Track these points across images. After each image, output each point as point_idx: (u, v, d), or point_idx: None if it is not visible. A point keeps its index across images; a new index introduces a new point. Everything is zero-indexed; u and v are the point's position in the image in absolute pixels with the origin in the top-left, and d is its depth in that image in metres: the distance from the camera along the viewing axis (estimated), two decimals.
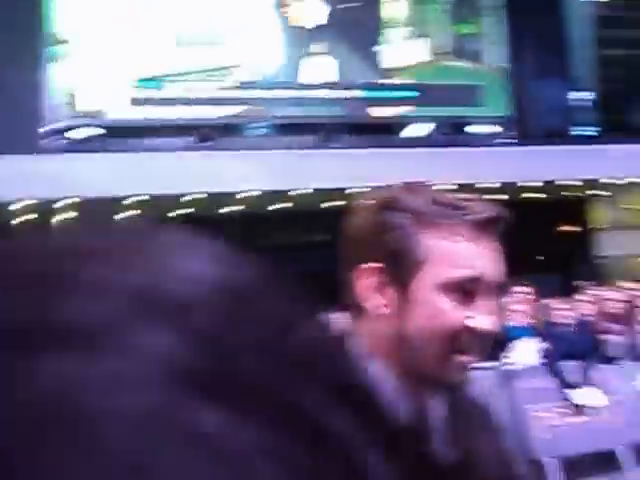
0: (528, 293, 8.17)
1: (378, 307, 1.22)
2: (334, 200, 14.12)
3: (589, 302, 8.66)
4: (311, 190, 13.29)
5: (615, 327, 7.95)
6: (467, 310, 1.20)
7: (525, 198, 15.21)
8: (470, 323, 1.19)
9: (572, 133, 16.53)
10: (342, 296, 1.29)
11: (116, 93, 13.97)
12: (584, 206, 17.22)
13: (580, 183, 15.21)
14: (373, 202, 1.28)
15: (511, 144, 15.86)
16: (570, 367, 7.32)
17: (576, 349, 7.29)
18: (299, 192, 13.38)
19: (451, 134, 15.56)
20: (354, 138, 14.55)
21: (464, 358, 1.22)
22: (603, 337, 7.78)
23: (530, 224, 14.64)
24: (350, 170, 12.91)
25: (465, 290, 1.20)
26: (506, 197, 14.75)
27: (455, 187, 13.70)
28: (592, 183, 15.46)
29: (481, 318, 1.20)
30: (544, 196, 15.33)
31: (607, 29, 17.16)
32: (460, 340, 1.20)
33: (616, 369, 7.29)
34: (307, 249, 14.26)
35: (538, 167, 14.02)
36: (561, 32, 17.07)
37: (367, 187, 13.70)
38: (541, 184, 14.72)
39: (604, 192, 16.31)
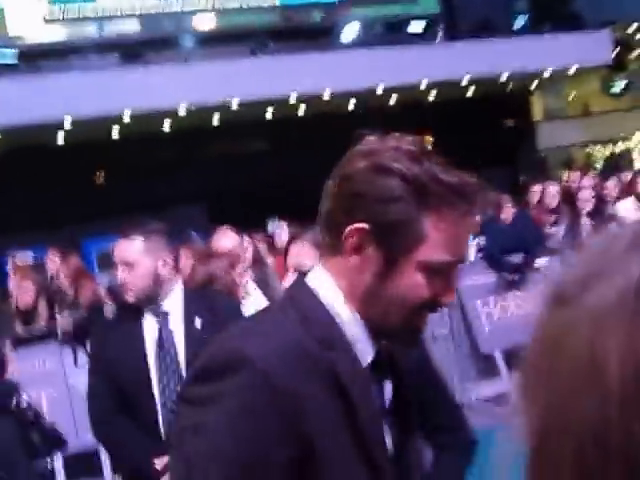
0: None
1: (361, 264, 1.27)
2: (277, 109, 13.96)
3: (531, 195, 8.73)
4: (253, 100, 13.02)
5: (557, 218, 8.02)
6: (437, 286, 1.29)
7: (464, 94, 15.16)
8: (438, 298, 1.29)
9: (504, 26, 16.34)
10: (326, 239, 1.31)
11: (34, 14, 13.43)
12: (522, 99, 17.24)
13: (516, 75, 15.14)
14: (372, 159, 1.26)
15: (444, 40, 15.74)
16: (512, 260, 7.42)
17: (518, 242, 7.37)
18: (240, 102, 13.12)
19: (383, 34, 15.29)
20: (286, 45, 14.22)
21: (422, 322, 1.32)
22: (545, 229, 7.87)
23: (471, 120, 14.67)
24: (285, 77, 12.70)
25: (442, 269, 1.27)
26: (445, 94, 14.70)
27: (395, 87, 13.64)
28: (528, 75, 15.42)
29: (448, 295, 1.31)
30: (482, 91, 15.26)
31: None
32: (424, 310, 1.30)
33: (559, 259, 7.37)
34: (253, 158, 14.16)
35: (472, 62, 13.90)
36: None
37: (305, 94, 13.36)
38: (477, 79, 14.61)
39: (540, 83, 16.34)
